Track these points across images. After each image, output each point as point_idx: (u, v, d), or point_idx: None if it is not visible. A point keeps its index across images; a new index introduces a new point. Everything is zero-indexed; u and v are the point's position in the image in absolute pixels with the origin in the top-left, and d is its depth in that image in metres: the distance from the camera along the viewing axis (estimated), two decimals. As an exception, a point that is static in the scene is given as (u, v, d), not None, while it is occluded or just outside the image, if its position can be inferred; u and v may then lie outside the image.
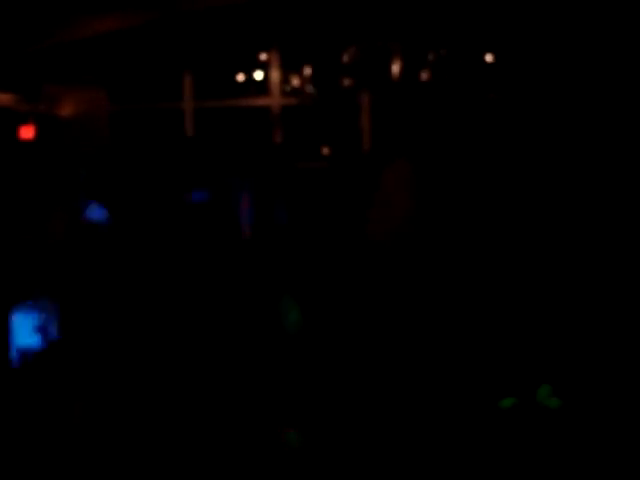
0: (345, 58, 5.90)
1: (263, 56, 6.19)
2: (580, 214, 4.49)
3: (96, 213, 3.14)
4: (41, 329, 2.39)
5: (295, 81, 5.98)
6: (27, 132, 5.79)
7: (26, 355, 2.39)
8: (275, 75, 6.13)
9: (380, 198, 3.31)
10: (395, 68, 5.79)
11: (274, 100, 6.15)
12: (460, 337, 2.54)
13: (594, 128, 5.52)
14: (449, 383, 2.45)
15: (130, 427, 2.26)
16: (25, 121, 5.81)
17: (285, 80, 6.09)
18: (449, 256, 2.84)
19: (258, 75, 6.25)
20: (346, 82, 5.94)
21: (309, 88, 5.92)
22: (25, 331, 2.40)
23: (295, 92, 6.00)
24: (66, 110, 6.04)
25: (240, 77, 6.32)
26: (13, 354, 2.40)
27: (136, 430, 2.26)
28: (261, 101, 6.22)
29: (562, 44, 5.71)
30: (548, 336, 2.66)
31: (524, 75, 5.99)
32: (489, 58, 5.81)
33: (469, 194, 4.19)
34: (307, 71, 5.92)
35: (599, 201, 4.74)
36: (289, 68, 6.06)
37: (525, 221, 3.88)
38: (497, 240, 3.39)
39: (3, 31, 5.41)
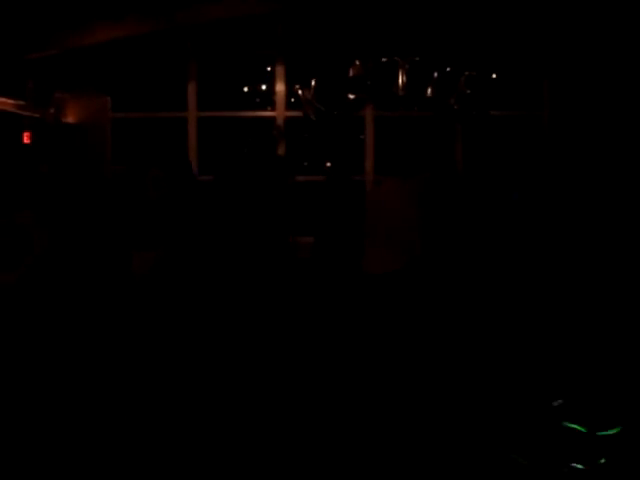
0: (351, 73, 5.89)
1: (269, 68, 6.19)
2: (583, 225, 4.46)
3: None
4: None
5: (300, 94, 5.97)
6: (31, 138, 5.80)
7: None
8: (280, 88, 6.12)
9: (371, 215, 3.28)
10: (400, 84, 5.77)
11: (278, 112, 6.13)
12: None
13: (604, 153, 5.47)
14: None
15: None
16: (30, 127, 5.82)
17: (290, 93, 6.08)
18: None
19: (263, 87, 6.25)
20: (351, 96, 5.93)
21: (314, 101, 5.91)
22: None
23: (300, 105, 5.99)
24: (71, 117, 6.05)
25: (245, 89, 6.32)
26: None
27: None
28: (265, 113, 6.21)
29: (569, 62, 5.67)
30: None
31: (529, 93, 5.96)
32: (493, 75, 5.78)
33: (468, 217, 4.15)
34: (312, 85, 5.91)
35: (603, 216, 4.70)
36: (294, 81, 6.05)
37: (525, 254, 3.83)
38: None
39: (10, 37, 5.44)
